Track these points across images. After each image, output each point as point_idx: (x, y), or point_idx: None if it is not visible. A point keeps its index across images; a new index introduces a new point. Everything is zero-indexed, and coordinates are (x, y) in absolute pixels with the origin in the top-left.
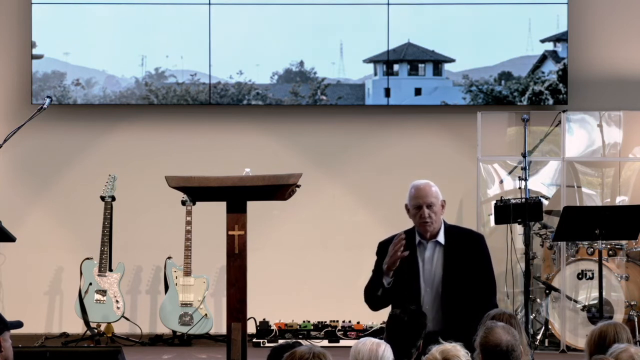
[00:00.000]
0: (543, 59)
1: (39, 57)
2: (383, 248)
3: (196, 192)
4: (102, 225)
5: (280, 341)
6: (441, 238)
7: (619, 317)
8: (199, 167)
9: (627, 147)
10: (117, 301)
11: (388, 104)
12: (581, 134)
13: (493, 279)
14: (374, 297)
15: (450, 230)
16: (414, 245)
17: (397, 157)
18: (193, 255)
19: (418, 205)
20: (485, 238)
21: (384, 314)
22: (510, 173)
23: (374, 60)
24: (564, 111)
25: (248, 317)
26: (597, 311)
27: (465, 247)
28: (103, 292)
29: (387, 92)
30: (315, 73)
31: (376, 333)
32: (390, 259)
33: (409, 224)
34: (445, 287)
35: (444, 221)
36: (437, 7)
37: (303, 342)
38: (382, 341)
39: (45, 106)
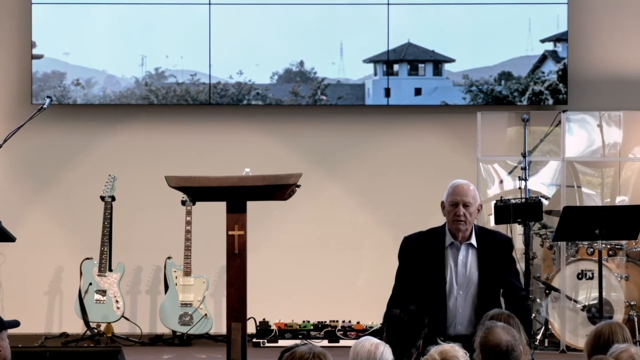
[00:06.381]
0: (543, 59)
1: (39, 57)
2: (409, 246)
3: (196, 192)
4: (102, 225)
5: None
6: (474, 240)
7: (619, 317)
8: (199, 167)
9: (627, 147)
10: (117, 301)
11: (388, 104)
12: (581, 134)
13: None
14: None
15: (480, 232)
16: (443, 246)
17: (397, 157)
18: (193, 255)
19: (455, 203)
20: None
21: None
22: (510, 173)
23: (374, 60)
24: (564, 111)
25: (248, 317)
26: (597, 311)
27: (495, 249)
28: (103, 292)
29: (387, 92)
30: (315, 73)
31: (376, 333)
32: None
33: (409, 224)
34: (481, 290)
35: (474, 224)
36: (437, 7)
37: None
38: (381, 342)
39: (45, 106)
